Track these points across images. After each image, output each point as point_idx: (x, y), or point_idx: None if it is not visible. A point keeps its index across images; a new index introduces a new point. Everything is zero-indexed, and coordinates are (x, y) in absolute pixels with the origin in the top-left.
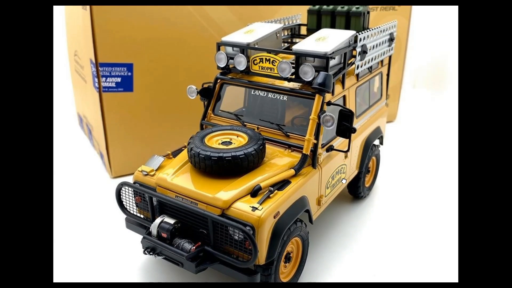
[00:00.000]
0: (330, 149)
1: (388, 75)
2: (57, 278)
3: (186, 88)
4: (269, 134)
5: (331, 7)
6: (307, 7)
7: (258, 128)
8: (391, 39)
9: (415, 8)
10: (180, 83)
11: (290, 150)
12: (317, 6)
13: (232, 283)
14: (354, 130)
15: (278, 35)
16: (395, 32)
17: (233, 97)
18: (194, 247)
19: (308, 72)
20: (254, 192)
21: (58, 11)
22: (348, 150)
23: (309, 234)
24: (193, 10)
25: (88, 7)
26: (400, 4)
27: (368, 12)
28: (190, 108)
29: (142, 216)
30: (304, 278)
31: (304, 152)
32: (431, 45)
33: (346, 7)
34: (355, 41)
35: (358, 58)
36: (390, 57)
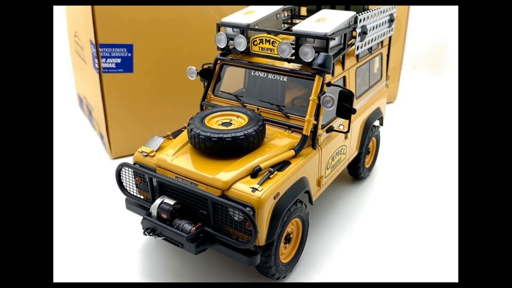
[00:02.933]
0: (330, 130)
1: (388, 56)
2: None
3: (186, 69)
4: (269, 115)
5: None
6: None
7: (258, 109)
8: (391, 20)
9: None
10: (180, 64)
11: (290, 131)
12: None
13: (232, 283)
14: (354, 111)
15: (278, 16)
16: (395, 13)
17: (233, 78)
18: (194, 228)
19: (308, 53)
20: (254, 173)
21: None
22: (348, 131)
23: (309, 215)
24: None
25: None
26: (400, 4)
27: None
28: (190, 89)
29: (142, 197)
30: (304, 259)
31: (304, 133)
32: (431, 26)
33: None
34: (355, 22)
35: (358, 39)
36: (390, 38)
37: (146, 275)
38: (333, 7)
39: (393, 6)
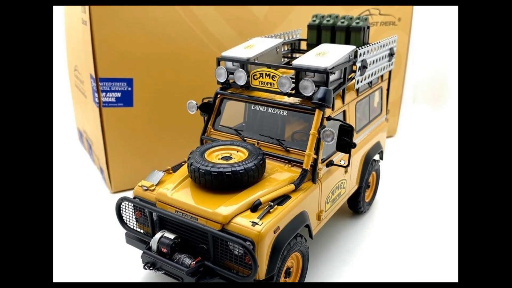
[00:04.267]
0: (330, 164)
1: (388, 90)
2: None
3: (186, 103)
4: (269, 149)
5: (331, 21)
6: (307, 22)
7: (258, 143)
8: (391, 54)
9: (415, 23)
10: (180, 98)
11: (290, 165)
12: (317, 21)
13: (232, 283)
14: (354, 145)
15: (278, 50)
16: (395, 47)
17: (233, 112)
18: (194, 262)
19: (308, 87)
20: (254, 207)
21: (58, 25)
22: (348, 165)
23: (309, 249)
24: (193, 26)
25: (88, 22)
26: (400, 4)
27: (368, 27)
28: (190, 123)
29: (142, 231)
30: None
31: (304, 167)
32: (431, 60)
33: (346, 22)
34: (355, 56)
35: (358, 73)
36: (390, 72)
37: None
38: (333, 35)
39: (393, 40)
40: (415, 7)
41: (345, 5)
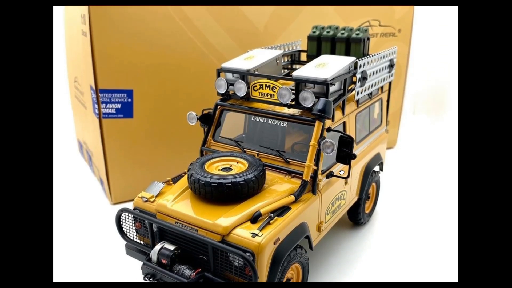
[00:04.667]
0: (330, 175)
1: (388, 101)
2: None
3: (186, 114)
4: (269, 160)
5: (331, 33)
6: (307, 33)
7: (258, 154)
8: (391, 65)
9: (415, 35)
10: (180, 109)
11: (290, 176)
12: (317, 32)
13: (232, 283)
14: (354, 157)
15: (278, 61)
16: (395, 58)
17: (233, 123)
18: (194, 274)
19: (308, 98)
20: (254, 218)
21: (58, 36)
22: (348, 176)
23: (309, 260)
24: (193, 37)
25: (88, 33)
26: (400, 4)
27: (368, 38)
28: (190, 134)
29: (142, 242)
30: None
31: (304, 178)
32: (431, 71)
33: (346, 33)
34: (355, 67)
35: (358, 84)
36: (390, 83)
37: None
38: (333, 47)
39: (393, 51)
40: (415, 18)
41: (345, 17)
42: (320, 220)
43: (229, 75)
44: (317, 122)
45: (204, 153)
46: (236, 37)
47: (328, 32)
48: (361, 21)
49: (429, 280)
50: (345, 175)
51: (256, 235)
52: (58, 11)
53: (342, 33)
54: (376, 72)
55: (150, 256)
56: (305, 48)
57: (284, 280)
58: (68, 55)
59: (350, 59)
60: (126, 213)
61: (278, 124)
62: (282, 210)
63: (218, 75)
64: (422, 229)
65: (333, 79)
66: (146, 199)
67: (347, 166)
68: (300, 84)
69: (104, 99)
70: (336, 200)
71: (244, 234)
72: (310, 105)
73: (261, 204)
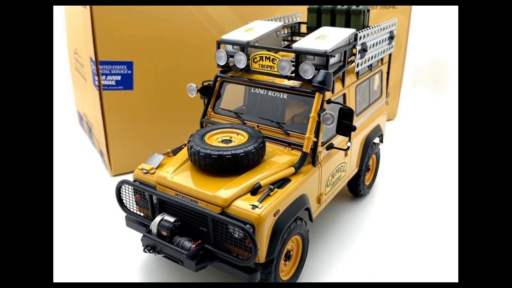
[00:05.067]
0: (330, 147)
1: (388, 73)
2: (57, 278)
3: (186, 86)
4: (269, 132)
5: (330, 6)
6: (307, 6)
7: (258, 126)
8: (391, 37)
9: (415, 7)
10: (180, 81)
11: (290, 148)
12: (317, 4)
13: (232, 283)
14: (354, 128)
15: (278, 33)
16: (395, 30)
17: (233, 95)
18: (194, 245)
19: (308, 70)
20: (254, 190)
21: (58, 9)
22: (348, 148)
23: (309, 232)
24: (193, 9)
25: (88, 5)
26: (400, 4)
27: (368, 10)
28: (190, 107)
29: (142, 214)
30: (304, 277)
31: (304, 150)
32: (431, 43)
33: (346, 5)
34: (355, 39)
35: (358, 56)
36: (390, 55)
37: None
38: (333, 18)
39: (393, 23)
40: None
41: None
42: (320, 192)
43: (229, 47)
44: (317, 94)
45: (204, 125)
46: (236, 10)
47: (328, 5)
48: None
49: (428, 249)
50: (346, 147)
51: (256, 207)
52: None
53: (342, 5)
54: (376, 44)
55: (150, 228)
56: (305, 20)
57: (285, 252)
58: (68, 27)
59: (350, 31)
60: (126, 185)
61: (278, 96)
62: (282, 182)
63: (218, 47)
64: (422, 200)
65: (333, 51)
66: (146, 171)
67: (347, 138)
68: (300, 56)
69: (104, 71)
70: (336, 172)
71: (244, 206)
72: (310, 77)
73: (261, 176)
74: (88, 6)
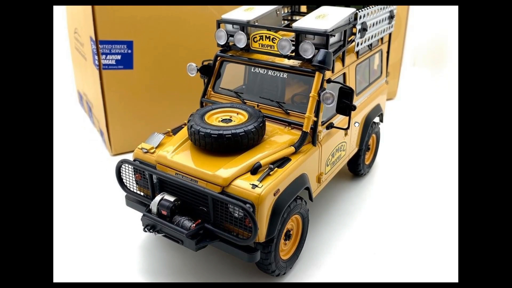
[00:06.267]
0: (330, 126)
1: (388, 52)
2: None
3: (186, 66)
4: (269, 112)
5: None
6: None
7: (258, 105)
8: (391, 17)
9: None
10: (180, 60)
11: (290, 128)
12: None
13: (232, 283)
14: (354, 108)
15: (278, 12)
16: (395, 10)
17: (233, 75)
18: (194, 225)
19: (308, 49)
20: (254, 169)
21: None
22: (348, 128)
23: (309, 212)
24: None
25: None
26: (400, 4)
27: None
28: (190, 86)
29: (142, 193)
30: (304, 256)
31: (304, 129)
32: (431, 23)
33: None
34: (355, 19)
35: (358, 35)
36: (390, 34)
37: (146, 273)
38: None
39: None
40: None
41: None
42: (320, 171)
43: (229, 27)
44: (317, 73)
45: (204, 104)
46: None
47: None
48: None
49: (427, 227)
50: (345, 127)
51: (256, 186)
52: None
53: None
54: (376, 23)
55: (150, 207)
56: None
57: (284, 231)
58: (68, 6)
59: (350, 10)
60: (126, 164)
61: (278, 75)
62: (282, 161)
63: (218, 27)
64: (422, 179)
65: (333, 30)
66: (146, 150)
67: (347, 117)
68: (300, 35)
69: (104, 50)
70: (336, 151)
71: (244, 185)
72: (310, 56)
73: (261, 155)
74: None
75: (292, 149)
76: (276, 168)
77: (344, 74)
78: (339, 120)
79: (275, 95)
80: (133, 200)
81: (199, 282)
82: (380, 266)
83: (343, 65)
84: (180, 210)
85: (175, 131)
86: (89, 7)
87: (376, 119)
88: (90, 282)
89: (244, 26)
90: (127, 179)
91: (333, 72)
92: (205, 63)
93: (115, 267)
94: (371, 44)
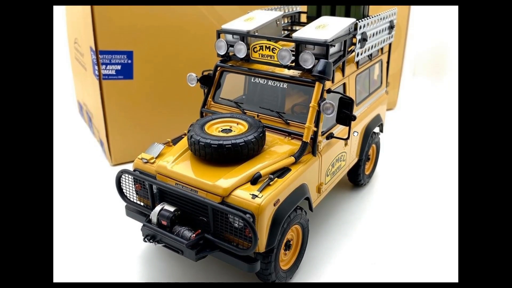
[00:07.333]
0: (330, 136)
1: (388, 62)
2: (57, 270)
3: (186, 76)
4: (269, 122)
5: None
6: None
7: (258, 115)
8: (391, 27)
9: None
10: (180, 70)
11: (290, 138)
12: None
13: (232, 283)
14: (354, 118)
15: (278, 22)
16: (395, 20)
17: (233, 85)
18: (194, 235)
19: (308, 59)
20: (254, 179)
21: None
22: (348, 138)
23: (309, 222)
24: None
25: None
26: (400, 4)
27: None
28: (190, 96)
29: (142, 203)
30: (304, 266)
31: (304, 139)
32: (431, 32)
33: None
34: (355, 29)
35: (358, 45)
36: (390, 44)
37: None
38: (333, 8)
39: (393, 12)
40: None
41: None
42: (320, 181)
43: (229, 37)
44: (317, 83)
45: (204, 114)
46: None
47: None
48: None
49: (427, 239)
50: (345, 137)
51: (256, 196)
52: None
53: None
54: (376, 33)
55: (150, 217)
56: (305, 10)
57: (284, 242)
58: (68, 16)
59: (350, 20)
60: (126, 175)
61: (278, 85)
62: (282, 172)
63: (218, 37)
64: (422, 190)
65: (333, 40)
66: (146, 161)
67: (347, 127)
68: (300, 45)
69: (104, 60)
70: (336, 161)
71: (244, 195)
72: (310, 67)
73: (261, 165)
74: None
75: (292, 159)
76: (276, 178)
77: (344, 84)
78: (339, 130)
79: (275, 105)
80: (133, 210)
81: (199, 282)
82: (380, 276)
83: (343, 75)
84: (180, 220)
85: (175, 141)
86: (89, 16)
87: (376, 129)
88: (90, 282)
89: (244, 36)
90: (127, 189)
91: (333, 82)
92: (205, 73)
93: (115, 277)
94: (371, 54)
